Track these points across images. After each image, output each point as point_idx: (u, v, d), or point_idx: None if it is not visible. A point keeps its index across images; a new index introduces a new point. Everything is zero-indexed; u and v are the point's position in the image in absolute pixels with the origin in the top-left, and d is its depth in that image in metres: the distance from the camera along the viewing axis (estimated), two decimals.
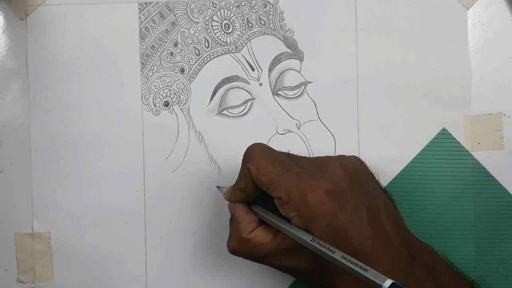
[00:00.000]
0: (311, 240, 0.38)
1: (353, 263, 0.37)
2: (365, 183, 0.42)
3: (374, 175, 0.45)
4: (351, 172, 0.41)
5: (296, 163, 0.42)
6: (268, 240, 0.41)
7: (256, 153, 0.41)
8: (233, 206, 0.44)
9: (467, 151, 0.49)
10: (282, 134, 0.50)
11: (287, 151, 0.46)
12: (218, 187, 0.48)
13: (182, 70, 0.50)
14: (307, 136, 0.50)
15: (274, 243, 0.41)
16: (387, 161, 0.50)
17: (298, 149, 0.50)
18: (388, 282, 0.36)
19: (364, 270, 0.37)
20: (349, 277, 0.38)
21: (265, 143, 0.50)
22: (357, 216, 0.39)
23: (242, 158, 0.42)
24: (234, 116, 0.50)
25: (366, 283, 0.36)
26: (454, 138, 0.49)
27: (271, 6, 0.50)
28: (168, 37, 0.50)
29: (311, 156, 0.50)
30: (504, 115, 0.50)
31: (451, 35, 0.50)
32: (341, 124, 0.50)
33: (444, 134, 0.49)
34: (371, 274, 0.36)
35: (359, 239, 0.39)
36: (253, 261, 0.43)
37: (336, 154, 0.49)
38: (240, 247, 0.42)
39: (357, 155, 0.50)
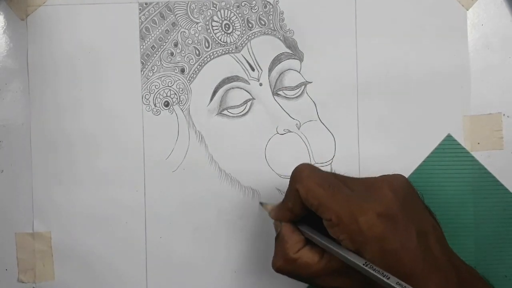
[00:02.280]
0: (363, 264, 0.38)
1: None
2: (413, 205, 0.41)
3: (419, 194, 0.44)
4: (401, 193, 0.41)
5: (344, 184, 0.41)
6: (315, 260, 0.41)
7: (305, 175, 0.41)
8: (279, 225, 0.43)
9: (469, 152, 0.49)
10: (282, 134, 0.50)
11: (332, 172, 0.45)
12: (261, 203, 0.48)
13: (182, 70, 0.50)
14: (307, 136, 0.50)
15: (321, 263, 0.41)
16: (387, 161, 0.50)
17: (298, 149, 0.50)
18: None
19: None
20: None
21: (264, 144, 0.50)
22: (408, 239, 0.39)
23: (290, 178, 0.42)
24: (234, 116, 0.50)
25: None
26: (459, 144, 0.49)
27: (271, 6, 0.50)
28: (169, 37, 0.50)
29: (312, 156, 0.50)
30: (504, 115, 0.50)
31: (451, 35, 0.50)
32: (341, 124, 0.50)
33: (449, 140, 0.50)
34: None
35: (409, 262, 0.38)
36: (298, 280, 0.42)
37: (333, 155, 0.50)
38: (286, 266, 0.41)
39: (357, 155, 0.50)
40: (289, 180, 0.42)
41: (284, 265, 0.42)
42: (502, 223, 0.50)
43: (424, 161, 0.50)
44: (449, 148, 0.50)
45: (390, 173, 0.43)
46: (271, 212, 0.44)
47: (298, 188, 0.41)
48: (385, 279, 0.37)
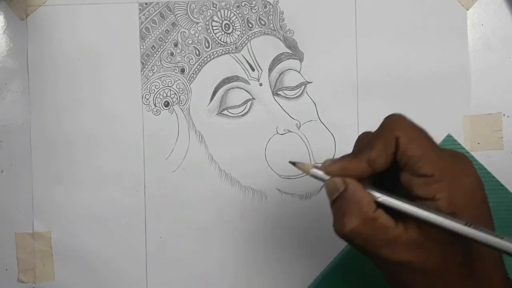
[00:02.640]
0: (465, 224, 0.33)
1: None
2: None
3: None
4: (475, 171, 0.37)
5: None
6: (392, 225, 0.35)
7: (408, 122, 0.36)
8: (341, 183, 0.36)
9: (469, 152, 0.49)
10: (282, 134, 0.50)
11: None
12: (293, 162, 0.38)
13: (183, 70, 0.50)
14: (307, 136, 0.50)
15: (398, 229, 0.35)
16: None
17: (298, 149, 0.50)
18: None
19: None
20: (472, 284, 0.35)
21: (265, 144, 0.50)
22: (487, 212, 0.36)
23: (381, 126, 0.36)
24: (234, 116, 0.50)
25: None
26: (459, 144, 0.49)
27: (271, 6, 0.50)
28: (169, 37, 0.50)
29: (312, 156, 0.50)
30: (504, 115, 0.50)
31: (451, 35, 0.50)
32: (341, 124, 0.50)
33: (449, 140, 0.49)
34: None
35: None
36: (367, 248, 0.36)
37: (333, 155, 0.50)
38: (364, 227, 0.35)
39: None
40: (378, 128, 0.37)
41: (361, 225, 0.35)
42: (502, 223, 0.50)
43: None
44: (449, 148, 0.50)
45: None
46: (329, 166, 0.37)
47: (398, 135, 0.35)
48: (498, 239, 0.33)
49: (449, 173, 0.34)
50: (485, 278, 0.35)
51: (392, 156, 0.36)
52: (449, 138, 0.50)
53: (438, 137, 0.50)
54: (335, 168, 0.37)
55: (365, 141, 0.37)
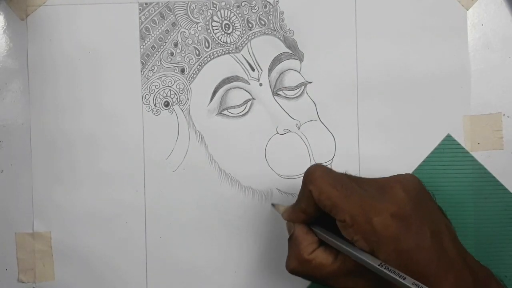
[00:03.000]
0: (379, 265, 0.38)
1: None
2: (426, 205, 0.41)
3: (431, 195, 0.44)
4: (413, 193, 0.40)
5: (357, 184, 0.41)
6: (329, 261, 0.40)
7: (318, 175, 0.40)
8: (292, 226, 0.43)
9: (472, 156, 0.49)
10: (282, 134, 0.50)
11: (344, 172, 0.44)
12: (273, 204, 0.47)
13: (183, 70, 0.50)
14: (307, 136, 0.50)
15: (335, 264, 0.40)
16: (387, 161, 0.50)
17: (298, 149, 0.50)
18: None
19: None
20: None
21: (265, 144, 0.50)
22: (422, 239, 0.39)
23: (302, 180, 0.42)
24: (234, 116, 0.50)
25: None
26: (459, 144, 0.49)
27: (271, 6, 0.50)
28: (169, 37, 0.50)
29: (312, 156, 0.50)
30: (504, 115, 0.50)
31: (451, 35, 0.50)
32: (341, 124, 0.50)
33: (448, 140, 0.49)
34: None
35: (424, 262, 0.38)
36: (312, 281, 0.42)
37: (333, 155, 0.50)
38: (301, 268, 0.41)
39: (357, 155, 0.50)
40: (301, 181, 0.42)
41: (298, 266, 0.41)
42: (502, 223, 0.50)
43: (424, 161, 0.50)
44: (449, 148, 0.50)
45: (400, 173, 0.42)
46: (284, 214, 0.44)
47: (311, 189, 0.40)
48: (401, 280, 0.37)
49: (359, 216, 0.39)
50: None
51: (317, 206, 0.41)
52: (449, 138, 0.50)
53: (438, 137, 0.50)
54: (286, 215, 0.44)
55: (298, 194, 0.43)
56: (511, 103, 0.50)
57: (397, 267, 0.38)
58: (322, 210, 0.41)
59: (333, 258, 0.41)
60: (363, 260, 0.39)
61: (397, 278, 0.37)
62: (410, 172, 0.50)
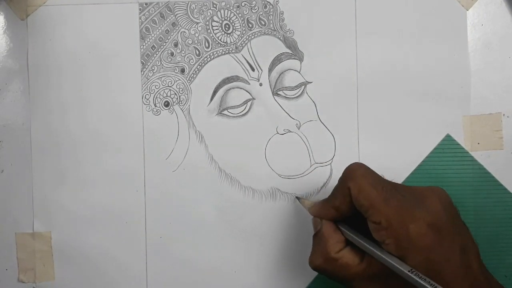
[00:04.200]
0: (409, 271, 0.37)
1: None
2: (457, 219, 0.41)
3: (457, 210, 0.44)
4: (448, 206, 0.40)
5: (395, 189, 0.41)
6: (356, 262, 0.40)
7: (359, 174, 0.40)
8: (319, 222, 0.43)
9: (468, 152, 0.49)
10: (282, 134, 0.50)
11: (381, 175, 0.43)
12: (298, 198, 0.47)
13: (183, 70, 0.50)
14: (307, 136, 0.50)
15: (361, 266, 0.40)
16: (387, 161, 0.50)
17: (298, 149, 0.50)
18: None
19: None
20: None
21: (265, 144, 0.50)
22: (452, 253, 0.38)
23: (341, 176, 0.41)
24: (234, 116, 0.50)
25: None
26: (459, 144, 0.49)
27: (271, 6, 0.50)
28: (169, 37, 0.50)
29: (312, 156, 0.50)
30: (504, 115, 0.50)
31: (451, 35, 0.50)
32: (341, 124, 0.50)
33: (448, 140, 0.49)
34: None
35: (451, 276, 0.38)
36: (335, 280, 0.42)
37: (333, 155, 0.50)
38: (326, 265, 0.41)
39: (357, 155, 0.50)
40: (339, 178, 0.41)
41: (324, 264, 0.41)
42: (502, 223, 0.50)
43: (423, 161, 0.50)
44: (449, 148, 0.50)
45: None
46: (311, 208, 0.43)
47: (350, 186, 0.40)
48: (429, 286, 0.36)
49: (395, 220, 0.38)
50: None
51: (352, 203, 0.40)
52: (448, 138, 0.50)
53: (438, 137, 0.50)
54: (314, 210, 0.43)
55: (333, 190, 0.42)
56: (511, 103, 0.50)
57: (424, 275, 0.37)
58: (354, 209, 0.40)
59: (359, 259, 0.40)
60: (393, 264, 0.38)
61: (428, 286, 0.36)
62: (410, 172, 0.50)
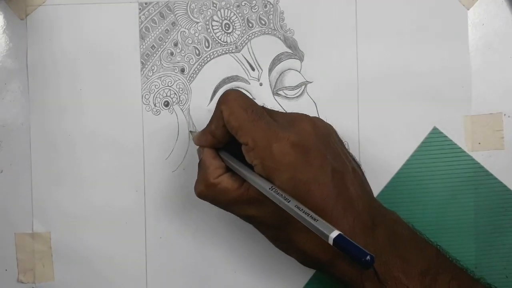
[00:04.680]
0: (269, 188, 0.39)
1: (305, 213, 0.37)
2: (333, 145, 0.42)
3: (344, 143, 0.46)
4: (321, 131, 0.42)
5: (270, 115, 0.42)
6: (234, 187, 0.41)
7: (232, 97, 0.42)
8: (202, 151, 0.44)
9: (460, 147, 0.49)
10: None
11: (262, 104, 0.46)
12: (190, 131, 0.48)
13: (182, 70, 0.50)
14: None
15: (239, 190, 0.41)
16: (387, 160, 0.50)
17: None
18: (335, 232, 0.35)
19: (314, 220, 0.37)
20: (307, 234, 0.39)
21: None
22: (321, 173, 0.40)
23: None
24: None
25: (322, 239, 0.37)
26: (446, 136, 0.49)
27: (271, 6, 0.50)
28: (168, 37, 0.50)
29: None
30: (504, 115, 0.50)
31: (451, 35, 0.50)
32: (341, 124, 0.50)
33: (435, 133, 0.49)
34: (321, 224, 0.36)
35: (321, 196, 0.39)
36: (219, 206, 0.43)
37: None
38: (207, 191, 0.42)
39: (357, 155, 0.50)
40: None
41: (204, 190, 0.42)
42: (502, 223, 0.50)
43: (417, 162, 0.50)
44: (449, 148, 0.50)
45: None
46: (194, 138, 0.45)
47: (222, 109, 0.41)
48: (285, 202, 0.38)
49: (261, 141, 0.40)
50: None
51: (226, 128, 0.42)
52: (435, 130, 0.49)
53: (438, 137, 0.50)
54: (195, 140, 0.45)
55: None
56: (511, 103, 0.50)
57: (293, 196, 0.38)
58: (230, 134, 0.42)
59: (238, 184, 0.41)
60: (257, 183, 0.40)
61: (282, 200, 0.38)
62: (406, 172, 0.50)
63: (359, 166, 0.45)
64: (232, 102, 0.41)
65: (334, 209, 0.39)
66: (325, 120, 0.45)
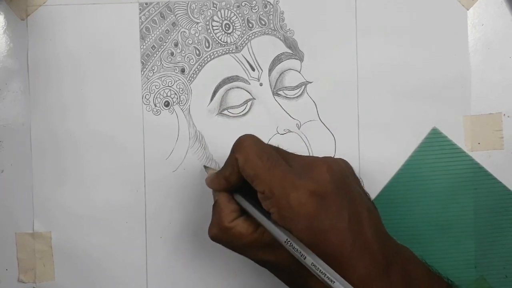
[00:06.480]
0: (285, 242, 0.39)
1: (322, 272, 0.37)
2: (350, 188, 0.42)
3: (360, 180, 0.45)
4: (337, 175, 0.41)
5: (285, 160, 0.42)
6: (249, 231, 0.41)
7: (246, 144, 0.41)
8: (217, 193, 0.44)
9: (459, 147, 0.49)
10: (282, 134, 0.50)
11: (276, 146, 0.46)
12: (205, 166, 0.48)
13: (183, 70, 0.50)
14: (307, 136, 0.50)
15: (254, 235, 0.41)
16: (387, 160, 0.50)
17: (298, 149, 0.50)
18: None
19: (331, 281, 0.37)
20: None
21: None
22: (338, 220, 0.39)
23: (231, 148, 0.42)
24: (234, 116, 0.50)
25: None
26: (445, 136, 0.49)
27: (271, 6, 0.50)
28: (169, 37, 0.50)
29: (312, 155, 0.50)
30: (504, 115, 0.50)
31: (451, 35, 0.50)
32: (341, 124, 0.50)
33: (435, 134, 0.49)
34: (337, 286, 0.37)
35: (338, 243, 0.39)
36: (233, 250, 0.43)
37: (333, 155, 0.50)
38: (221, 235, 0.42)
39: (357, 155, 0.50)
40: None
41: (218, 233, 0.42)
42: (502, 224, 0.50)
43: (417, 162, 0.50)
44: (448, 148, 0.50)
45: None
46: (206, 179, 0.44)
47: (237, 157, 0.41)
48: (301, 258, 0.38)
49: (278, 190, 0.39)
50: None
51: (240, 174, 0.41)
52: (434, 130, 0.49)
53: (438, 137, 0.50)
54: (208, 181, 0.44)
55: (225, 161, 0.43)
56: (511, 103, 0.50)
57: (310, 245, 0.38)
58: (244, 179, 0.41)
59: (253, 229, 0.41)
60: (273, 232, 0.39)
61: (298, 256, 0.38)
62: (405, 173, 0.50)
63: (373, 204, 0.44)
64: (247, 149, 0.41)
65: (351, 254, 0.39)
66: (341, 159, 0.44)
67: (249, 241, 0.41)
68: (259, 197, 0.40)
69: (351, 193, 0.41)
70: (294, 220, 0.39)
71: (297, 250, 0.38)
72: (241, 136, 0.42)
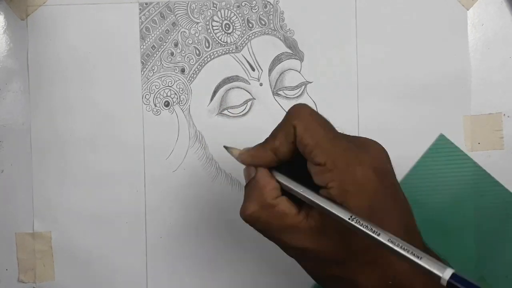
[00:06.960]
0: (349, 218, 0.33)
1: (404, 249, 0.32)
2: (394, 172, 0.38)
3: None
4: (388, 157, 0.38)
5: (341, 133, 0.38)
6: (293, 212, 0.36)
7: (307, 112, 0.37)
8: (253, 170, 0.38)
9: (466, 154, 0.49)
10: None
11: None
12: (226, 147, 0.41)
13: (183, 70, 0.50)
14: None
15: (298, 217, 0.36)
16: None
17: None
18: (449, 271, 0.30)
19: (418, 257, 0.31)
20: (375, 271, 0.35)
21: None
22: (393, 204, 0.36)
23: (285, 116, 0.38)
24: (234, 116, 0.50)
25: (394, 277, 0.33)
26: (453, 143, 0.49)
27: (271, 6, 0.50)
28: (169, 37, 0.50)
29: None
30: (504, 115, 0.50)
31: (451, 35, 0.50)
32: (341, 124, 0.50)
33: (442, 140, 0.49)
34: (427, 261, 0.31)
35: (391, 228, 0.34)
36: (266, 233, 0.38)
37: None
38: (262, 213, 0.36)
39: None
40: (283, 118, 0.38)
41: (258, 211, 0.36)
42: (502, 224, 0.50)
43: (424, 167, 0.50)
44: (449, 148, 0.50)
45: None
46: (242, 155, 0.39)
47: (295, 124, 0.36)
48: (375, 235, 0.32)
49: (342, 162, 0.35)
50: (388, 265, 0.35)
51: (293, 145, 0.37)
52: (441, 137, 0.49)
53: (438, 138, 0.50)
54: (246, 157, 0.39)
55: (272, 131, 0.38)
56: (511, 103, 0.50)
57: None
58: (292, 153, 0.37)
59: (296, 211, 0.36)
60: (332, 210, 0.34)
61: (370, 233, 0.33)
62: (408, 170, 0.50)
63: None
64: (308, 117, 0.36)
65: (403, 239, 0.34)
66: None
67: (290, 223, 0.36)
68: (313, 171, 0.36)
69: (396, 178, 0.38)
70: (358, 195, 0.34)
71: (367, 226, 0.33)
72: (297, 104, 0.38)
